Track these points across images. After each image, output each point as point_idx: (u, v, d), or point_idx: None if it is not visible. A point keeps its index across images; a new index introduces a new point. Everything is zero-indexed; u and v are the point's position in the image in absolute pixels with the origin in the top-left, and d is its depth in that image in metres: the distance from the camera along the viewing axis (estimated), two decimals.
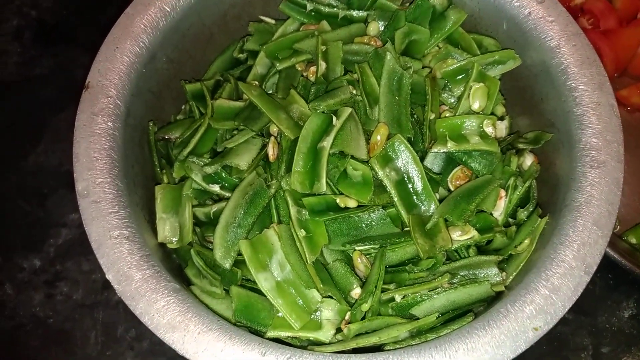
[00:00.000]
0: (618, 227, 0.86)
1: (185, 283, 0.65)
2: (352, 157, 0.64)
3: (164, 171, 0.71)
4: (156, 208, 0.67)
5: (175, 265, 0.68)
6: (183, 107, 0.78)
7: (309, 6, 0.75)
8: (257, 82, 0.73)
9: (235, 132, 0.70)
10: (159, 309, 0.55)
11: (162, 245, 0.67)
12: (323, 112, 0.65)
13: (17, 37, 1.03)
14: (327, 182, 0.63)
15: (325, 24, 0.73)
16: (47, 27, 1.04)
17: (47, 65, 1.01)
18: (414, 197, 0.64)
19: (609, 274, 0.85)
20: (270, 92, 0.72)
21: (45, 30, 1.04)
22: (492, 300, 0.61)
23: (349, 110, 0.65)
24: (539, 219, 0.63)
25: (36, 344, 0.83)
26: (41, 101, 0.98)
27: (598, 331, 0.82)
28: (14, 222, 0.90)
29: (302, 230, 0.61)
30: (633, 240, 0.84)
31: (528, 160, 0.69)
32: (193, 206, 0.68)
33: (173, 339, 0.54)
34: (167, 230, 0.66)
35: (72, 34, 1.03)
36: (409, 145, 0.63)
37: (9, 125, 0.97)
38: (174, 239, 0.66)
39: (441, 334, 0.56)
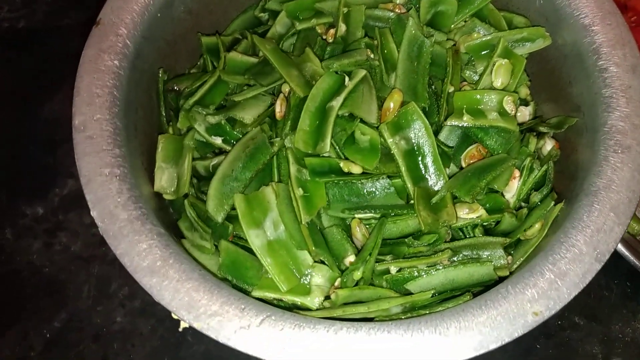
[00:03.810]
0: None
1: (179, 237, 0.63)
2: (362, 121, 0.61)
3: (171, 123, 0.70)
4: (156, 157, 0.65)
5: (171, 220, 0.66)
6: (198, 62, 0.76)
7: None
8: (274, 40, 0.70)
9: (245, 88, 0.67)
10: (140, 252, 0.52)
11: (159, 198, 0.65)
12: (336, 72, 0.63)
13: None
14: (332, 145, 0.60)
15: None
16: None
17: (76, 17, 1.00)
18: (423, 169, 0.61)
19: (628, 281, 0.79)
20: (287, 52, 0.70)
21: None
22: (494, 286, 0.57)
23: (363, 72, 0.62)
24: (553, 204, 0.59)
25: (29, 291, 0.82)
26: (66, 52, 0.96)
27: (610, 340, 0.77)
28: (23, 168, 0.90)
29: (300, 189, 0.58)
30: None
31: (548, 145, 0.65)
32: (194, 159, 0.66)
33: (150, 284, 0.51)
34: (164, 180, 0.64)
35: None
36: (422, 115, 0.60)
37: (31, 72, 0.97)
38: (171, 190, 0.64)
39: (434, 311, 0.53)
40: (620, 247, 0.72)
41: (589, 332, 0.77)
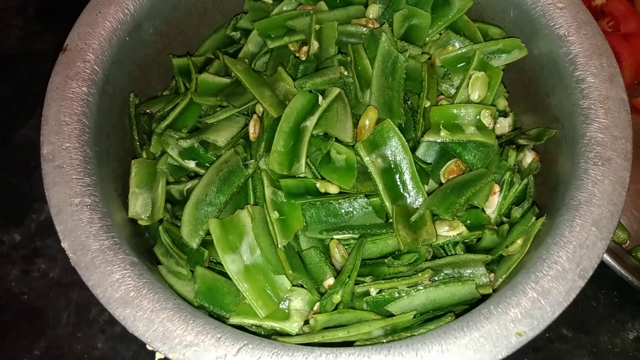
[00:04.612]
0: (628, 241, 0.80)
1: (155, 262, 0.62)
2: (337, 141, 0.60)
3: (145, 147, 0.68)
4: (130, 182, 0.64)
5: (148, 246, 0.65)
6: (171, 84, 0.75)
7: None
8: (246, 60, 0.69)
9: (218, 109, 0.66)
10: (113, 282, 0.51)
11: (134, 223, 0.63)
12: (310, 91, 0.61)
13: (20, 12, 1.03)
14: (308, 165, 0.59)
15: (322, 4, 0.70)
16: (51, 3, 1.03)
17: (48, 41, 1.00)
18: (400, 187, 0.59)
19: (615, 291, 0.78)
20: (260, 71, 0.69)
21: (49, 6, 1.03)
22: (477, 304, 0.56)
23: (337, 90, 0.61)
24: (534, 219, 0.58)
25: (8, 319, 0.80)
26: (39, 76, 0.94)
27: (599, 352, 0.75)
28: None
29: (276, 212, 0.57)
30: None
31: (528, 158, 0.64)
32: (168, 183, 0.64)
33: (124, 315, 0.50)
34: (138, 206, 0.63)
35: (75, 11, 1.02)
36: (398, 132, 0.59)
37: (4, 98, 0.95)
38: (145, 215, 0.62)
39: (416, 334, 0.51)
40: (607, 257, 0.71)
41: (578, 344, 0.76)
